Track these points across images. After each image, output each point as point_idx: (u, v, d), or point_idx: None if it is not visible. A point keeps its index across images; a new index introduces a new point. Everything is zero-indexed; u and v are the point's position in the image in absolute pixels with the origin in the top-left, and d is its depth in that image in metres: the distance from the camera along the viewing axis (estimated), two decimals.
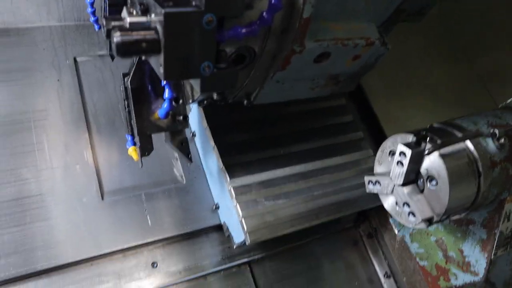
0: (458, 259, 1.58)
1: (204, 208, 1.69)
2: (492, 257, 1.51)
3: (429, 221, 1.25)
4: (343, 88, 1.47)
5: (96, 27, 1.61)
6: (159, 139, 1.60)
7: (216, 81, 0.96)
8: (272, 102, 1.40)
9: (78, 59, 1.78)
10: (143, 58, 1.15)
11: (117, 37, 0.85)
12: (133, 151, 1.41)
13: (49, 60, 1.74)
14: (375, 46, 1.23)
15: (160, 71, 0.90)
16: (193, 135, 1.78)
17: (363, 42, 1.20)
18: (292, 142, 1.68)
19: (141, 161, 1.37)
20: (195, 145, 1.79)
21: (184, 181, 1.71)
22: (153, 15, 0.89)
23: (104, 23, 0.93)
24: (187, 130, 1.77)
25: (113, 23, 0.92)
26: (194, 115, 1.73)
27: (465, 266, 1.57)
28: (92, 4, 1.56)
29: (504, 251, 1.54)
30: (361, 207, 1.67)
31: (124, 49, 0.86)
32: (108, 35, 0.91)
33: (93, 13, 1.58)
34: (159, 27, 0.86)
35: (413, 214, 1.24)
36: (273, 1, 0.95)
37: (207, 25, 0.86)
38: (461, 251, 1.56)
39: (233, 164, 1.55)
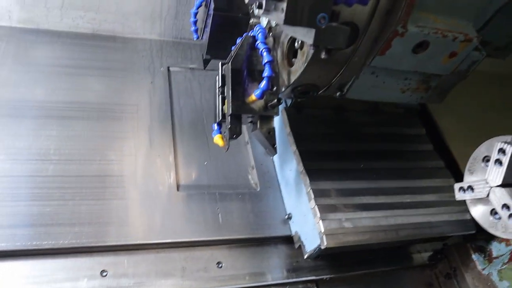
0: None
1: (276, 218, 1.65)
2: None
3: None
4: (432, 98, 1.47)
5: (194, 36, 1.76)
6: (239, 149, 1.68)
7: (328, 35, 1.00)
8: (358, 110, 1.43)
9: (171, 68, 1.93)
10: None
11: None
12: (219, 139, 1.44)
13: (146, 66, 1.89)
14: (473, 44, 1.25)
15: (281, 16, 0.96)
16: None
17: (462, 37, 1.22)
18: (372, 158, 1.66)
19: (228, 144, 1.39)
20: (272, 159, 1.80)
21: (258, 189, 1.70)
22: None
23: None
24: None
25: None
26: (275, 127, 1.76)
27: None
28: (195, 14, 1.72)
29: None
30: (443, 233, 1.56)
31: None
32: None
33: (194, 23, 1.74)
34: None
35: None
36: None
37: None
38: None
39: (313, 169, 1.53)
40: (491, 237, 1.65)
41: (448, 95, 1.50)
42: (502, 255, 1.58)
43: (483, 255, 1.65)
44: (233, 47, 1.43)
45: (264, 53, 1.29)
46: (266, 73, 1.27)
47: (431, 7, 1.19)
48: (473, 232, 1.61)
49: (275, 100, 1.33)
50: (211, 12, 1.58)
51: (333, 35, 1.01)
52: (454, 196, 1.66)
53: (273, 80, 1.35)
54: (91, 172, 1.53)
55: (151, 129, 1.71)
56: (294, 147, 1.59)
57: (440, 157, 1.79)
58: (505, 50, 1.74)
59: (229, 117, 1.36)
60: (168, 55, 1.96)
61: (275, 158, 1.78)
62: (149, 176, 1.59)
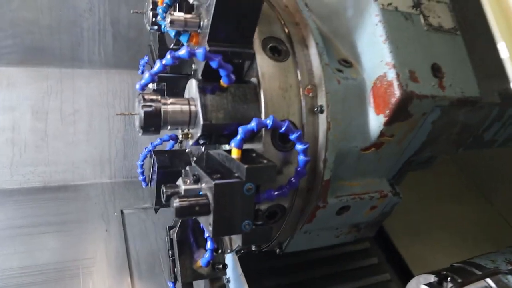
0: None
1: None
2: None
3: None
4: (365, 233, 1.60)
5: (143, 184, 1.86)
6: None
7: (255, 236, 1.12)
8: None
9: (124, 211, 2.01)
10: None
11: (176, 203, 1.05)
12: None
13: (99, 213, 1.97)
14: (389, 197, 1.40)
15: (209, 229, 1.07)
16: (228, 281, 1.88)
17: (378, 195, 1.38)
18: (322, 285, 1.76)
19: None
20: None
21: None
22: (203, 184, 1.10)
23: (164, 190, 1.14)
24: None
25: (171, 190, 1.13)
26: (229, 261, 1.85)
27: None
28: (141, 166, 1.83)
29: None
30: None
31: (182, 212, 1.05)
32: (168, 199, 1.11)
33: (142, 173, 1.84)
34: (209, 194, 1.06)
35: None
36: (299, 169, 1.16)
37: (247, 192, 1.06)
38: None
39: None
40: None
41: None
42: None
43: None
44: None
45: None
46: (209, 246, 1.38)
47: (347, 176, 1.35)
48: None
49: (221, 266, 1.43)
50: (155, 169, 1.69)
51: (258, 235, 1.13)
52: None
53: (218, 245, 1.46)
54: None
55: (110, 280, 1.77)
56: None
57: (387, 269, 1.93)
58: (427, 163, 1.93)
59: (181, 283, 1.45)
60: (121, 198, 2.05)
61: None
62: None
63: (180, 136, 1.27)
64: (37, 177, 1.98)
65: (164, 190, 1.15)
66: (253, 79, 1.20)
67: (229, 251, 1.46)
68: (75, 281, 1.74)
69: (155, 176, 1.75)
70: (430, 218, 2.41)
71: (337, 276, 1.82)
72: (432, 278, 1.35)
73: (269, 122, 1.10)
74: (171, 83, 1.74)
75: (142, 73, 1.88)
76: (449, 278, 1.33)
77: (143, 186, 1.85)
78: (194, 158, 1.78)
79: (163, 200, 1.15)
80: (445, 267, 1.44)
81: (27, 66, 1.93)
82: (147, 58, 1.80)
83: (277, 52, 1.22)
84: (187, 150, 1.75)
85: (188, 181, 1.16)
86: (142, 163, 1.82)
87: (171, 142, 1.86)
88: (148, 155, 1.81)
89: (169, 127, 1.18)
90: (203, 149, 1.55)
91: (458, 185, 2.70)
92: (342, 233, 1.53)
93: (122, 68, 2.07)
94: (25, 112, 1.93)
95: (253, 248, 1.36)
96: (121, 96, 2.08)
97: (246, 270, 1.71)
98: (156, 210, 1.83)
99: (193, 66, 1.68)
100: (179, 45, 1.44)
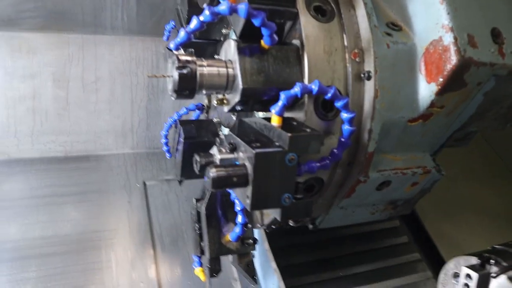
0: None
1: None
2: None
3: None
4: (400, 211, 1.53)
5: (167, 155, 1.79)
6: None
7: (295, 210, 1.05)
8: None
9: (147, 182, 1.95)
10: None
11: (213, 172, 0.97)
12: (200, 272, 1.46)
13: (121, 184, 1.91)
14: (432, 173, 1.32)
15: (246, 202, 1.00)
16: (252, 256, 1.83)
17: (421, 171, 1.29)
18: (350, 264, 1.70)
19: (210, 283, 1.42)
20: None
21: None
22: (240, 153, 1.02)
23: (198, 159, 1.06)
24: None
25: (206, 159, 1.06)
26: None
27: None
28: (166, 136, 1.76)
29: None
30: None
31: (219, 183, 0.97)
32: (202, 169, 1.04)
33: (166, 143, 1.77)
34: (247, 164, 0.98)
35: None
36: (343, 139, 1.08)
37: (289, 163, 0.98)
38: None
39: (294, 286, 1.57)
40: None
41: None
42: None
43: None
44: None
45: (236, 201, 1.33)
46: (240, 220, 1.31)
47: (390, 149, 1.26)
48: None
49: (251, 240, 1.37)
50: (181, 139, 1.62)
51: (297, 210, 1.05)
52: None
53: (248, 218, 1.39)
54: None
55: (132, 253, 1.73)
56: (273, 265, 1.62)
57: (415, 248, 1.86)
58: (464, 140, 1.83)
59: (209, 258, 1.39)
60: (143, 169, 1.99)
61: (257, 266, 1.81)
62: None
63: (214, 102, 1.19)
64: (58, 147, 1.92)
65: (198, 159, 1.07)
66: (295, 41, 1.11)
67: (259, 225, 1.39)
68: (97, 253, 1.70)
69: (180, 147, 1.68)
70: (460, 198, 2.32)
71: (365, 254, 1.76)
72: (473, 260, 1.27)
73: (314, 87, 1.01)
74: (199, 49, 1.64)
75: (168, 39, 1.79)
76: (492, 261, 1.25)
77: (167, 157, 1.78)
78: (222, 128, 1.70)
79: (196, 170, 1.08)
80: (485, 249, 1.36)
81: (48, 31, 1.85)
82: (173, 23, 1.70)
83: (321, 12, 1.12)
84: (214, 120, 1.68)
85: (224, 150, 1.09)
86: (167, 133, 1.75)
87: (197, 111, 1.79)
88: (173, 125, 1.74)
89: (204, 92, 1.10)
90: (234, 119, 1.47)
91: (490, 165, 2.59)
92: (378, 210, 1.45)
93: (146, 35, 1.98)
94: (46, 80, 1.87)
95: (291, 223, 1.29)
96: (144, 64, 2.00)
97: (273, 246, 1.65)
98: (180, 182, 1.77)
99: (223, 30, 1.59)
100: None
